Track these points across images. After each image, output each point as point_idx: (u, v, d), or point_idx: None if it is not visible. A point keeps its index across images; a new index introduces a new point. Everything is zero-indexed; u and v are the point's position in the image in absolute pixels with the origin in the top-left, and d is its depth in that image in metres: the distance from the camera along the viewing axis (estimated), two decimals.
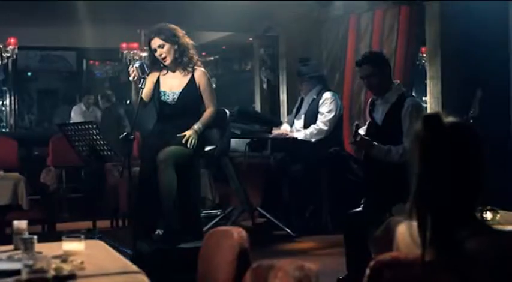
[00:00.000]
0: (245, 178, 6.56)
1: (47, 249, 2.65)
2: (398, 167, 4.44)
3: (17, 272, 2.22)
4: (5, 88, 11.52)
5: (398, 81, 4.89)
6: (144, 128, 9.45)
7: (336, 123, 6.50)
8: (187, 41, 5.15)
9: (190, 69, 5.14)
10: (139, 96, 4.99)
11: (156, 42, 5.06)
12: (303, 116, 6.58)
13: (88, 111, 10.16)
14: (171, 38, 5.05)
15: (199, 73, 5.16)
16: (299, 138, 6.43)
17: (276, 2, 7.79)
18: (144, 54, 10.74)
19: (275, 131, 6.60)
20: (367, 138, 4.38)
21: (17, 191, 6.44)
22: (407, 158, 4.37)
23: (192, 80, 5.14)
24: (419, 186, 2.02)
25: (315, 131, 6.40)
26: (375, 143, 4.44)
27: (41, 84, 12.02)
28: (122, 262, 2.49)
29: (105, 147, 5.13)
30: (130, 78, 4.99)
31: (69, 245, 2.61)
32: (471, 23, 6.22)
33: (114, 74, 12.60)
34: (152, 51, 5.13)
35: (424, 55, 9.29)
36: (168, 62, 5.09)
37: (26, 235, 2.76)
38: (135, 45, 10.63)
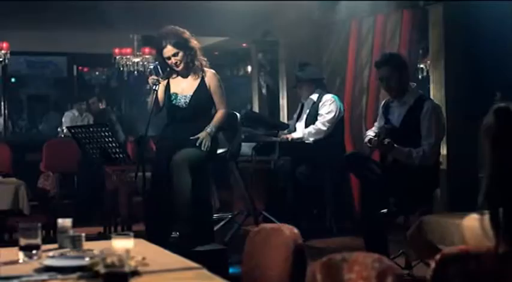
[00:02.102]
0: (250, 182, 6.54)
1: (94, 247, 2.62)
2: (422, 168, 4.47)
3: (76, 269, 2.20)
4: None
5: (415, 84, 4.92)
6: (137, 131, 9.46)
7: (337, 125, 6.50)
8: (195, 43, 5.13)
9: (200, 72, 5.13)
10: (154, 99, 4.97)
11: (169, 51, 5.01)
12: (304, 120, 6.58)
13: (81, 117, 10.07)
14: (183, 45, 5.02)
15: (210, 75, 5.16)
16: (296, 137, 6.43)
17: (275, 6, 7.78)
18: (137, 59, 10.72)
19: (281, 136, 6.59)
20: (389, 140, 4.41)
21: (17, 196, 6.36)
22: (427, 161, 4.45)
23: (203, 82, 5.13)
24: (491, 177, 2.04)
25: (313, 131, 6.40)
26: (395, 145, 4.47)
27: (31, 89, 11.91)
28: (177, 258, 2.47)
29: (118, 150, 5.09)
30: (150, 82, 4.96)
31: (119, 243, 2.58)
32: (475, 26, 6.26)
33: (104, 80, 12.53)
34: (163, 58, 5.07)
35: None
36: (180, 68, 5.07)
37: (72, 233, 2.73)
38: (128, 50, 10.59)
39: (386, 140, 4.42)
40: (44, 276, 2.12)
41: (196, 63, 5.09)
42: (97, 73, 12.45)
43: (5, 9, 8.07)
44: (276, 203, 6.63)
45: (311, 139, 6.37)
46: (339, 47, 7.71)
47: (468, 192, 5.89)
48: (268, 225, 2.78)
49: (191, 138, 4.96)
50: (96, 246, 2.63)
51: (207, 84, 5.12)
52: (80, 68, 12.25)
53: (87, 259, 2.29)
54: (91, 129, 5.13)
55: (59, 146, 9.36)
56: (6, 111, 11.42)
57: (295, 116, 6.78)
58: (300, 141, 6.40)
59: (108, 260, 1.92)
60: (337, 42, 7.76)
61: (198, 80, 5.12)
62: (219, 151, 5.38)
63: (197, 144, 4.92)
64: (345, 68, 7.57)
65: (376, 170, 4.54)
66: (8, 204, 6.32)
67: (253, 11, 7.89)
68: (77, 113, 10.15)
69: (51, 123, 11.06)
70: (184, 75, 5.15)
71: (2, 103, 11.40)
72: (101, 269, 1.88)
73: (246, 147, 6.33)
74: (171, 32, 5.05)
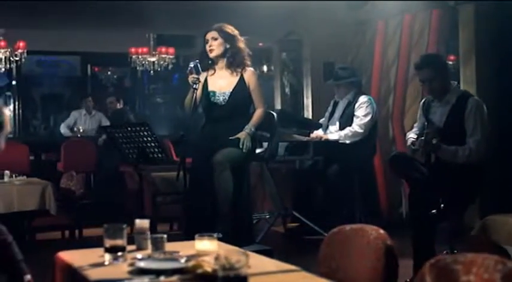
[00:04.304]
0: (281, 182, 6.50)
1: (178, 248, 2.57)
2: (469, 167, 4.42)
3: (174, 271, 2.14)
4: (9, 93, 11.34)
5: (456, 82, 4.88)
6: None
7: (372, 126, 6.45)
8: (243, 46, 5.13)
9: (239, 70, 5.10)
10: (194, 98, 4.92)
11: (211, 34, 5.07)
12: (337, 120, 6.51)
13: (90, 115, 9.97)
14: (226, 36, 5.05)
15: (249, 73, 5.13)
16: (332, 139, 6.39)
17: (299, 5, 7.72)
18: (153, 58, 10.65)
19: (312, 135, 6.54)
20: (437, 140, 4.37)
21: (44, 196, 6.32)
22: (473, 158, 4.41)
23: (242, 80, 5.09)
24: None
25: (350, 133, 6.34)
26: (441, 144, 4.42)
27: (45, 89, 11.83)
28: (268, 260, 2.42)
29: (156, 150, 5.02)
30: (190, 81, 4.91)
31: (202, 244, 2.54)
32: (506, 25, 6.24)
33: (117, 80, 12.45)
34: (204, 44, 5.08)
35: None
36: (213, 54, 5.06)
37: (149, 234, 2.67)
38: (145, 49, 10.51)
39: (435, 140, 4.38)
40: (145, 279, 2.07)
41: (238, 60, 5.06)
42: (109, 72, 12.35)
43: (20, 9, 8.00)
44: (305, 202, 6.58)
45: (347, 141, 6.32)
46: (365, 47, 7.67)
47: (501, 191, 5.90)
48: (347, 226, 2.73)
49: (231, 138, 4.92)
50: (178, 248, 2.58)
51: (246, 82, 5.09)
52: (95, 66, 12.18)
53: (182, 261, 2.23)
54: (129, 128, 5.06)
55: (77, 146, 9.32)
56: (20, 111, 11.37)
57: (327, 114, 6.70)
58: (334, 141, 6.34)
59: (220, 263, 1.87)
60: (362, 42, 7.72)
61: (237, 77, 5.09)
62: (258, 151, 5.33)
63: (240, 145, 4.88)
64: (371, 68, 7.53)
65: (423, 170, 4.49)
66: (35, 204, 6.29)
67: (277, 10, 7.82)
68: (84, 112, 10.02)
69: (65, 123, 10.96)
70: (223, 68, 5.09)
71: (16, 103, 11.34)
72: (220, 273, 1.82)
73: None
74: (222, 25, 5.11)
